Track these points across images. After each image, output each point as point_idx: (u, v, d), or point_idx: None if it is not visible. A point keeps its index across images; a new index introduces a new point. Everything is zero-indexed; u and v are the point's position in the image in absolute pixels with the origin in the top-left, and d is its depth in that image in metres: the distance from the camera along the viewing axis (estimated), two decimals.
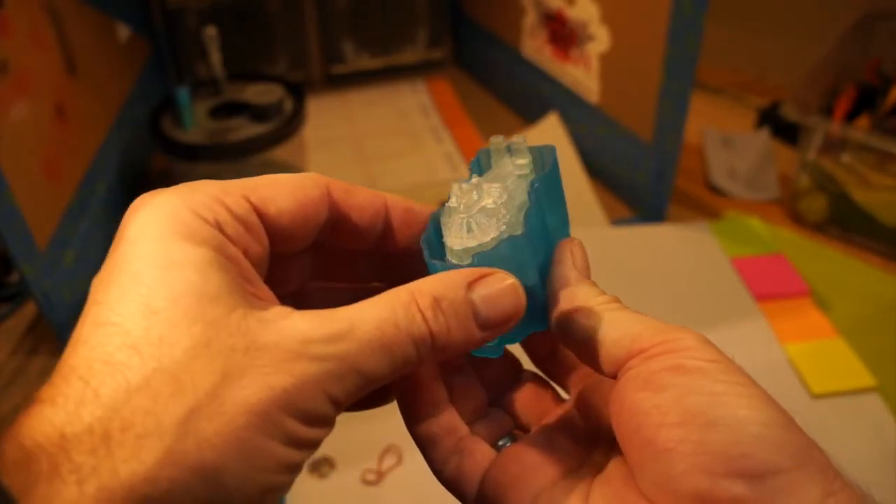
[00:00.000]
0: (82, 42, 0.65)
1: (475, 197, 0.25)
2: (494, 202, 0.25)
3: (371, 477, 0.48)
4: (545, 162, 0.26)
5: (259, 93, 0.68)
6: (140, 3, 0.81)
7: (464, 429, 0.26)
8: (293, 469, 0.19)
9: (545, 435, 0.26)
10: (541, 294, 0.25)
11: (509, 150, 0.27)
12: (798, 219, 0.70)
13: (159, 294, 0.18)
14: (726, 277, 0.63)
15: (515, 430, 0.28)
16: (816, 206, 0.69)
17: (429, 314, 0.21)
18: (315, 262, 0.26)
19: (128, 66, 0.78)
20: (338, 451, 0.49)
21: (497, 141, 0.27)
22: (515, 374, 0.29)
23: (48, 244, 0.54)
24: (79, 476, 0.16)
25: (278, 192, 0.22)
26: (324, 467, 0.48)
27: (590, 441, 0.26)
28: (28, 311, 0.62)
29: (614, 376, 0.23)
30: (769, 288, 0.62)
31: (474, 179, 0.26)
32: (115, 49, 0.74)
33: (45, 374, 0.58)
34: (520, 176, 0.26)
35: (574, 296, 0.25)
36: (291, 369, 0.18)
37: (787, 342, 0.57)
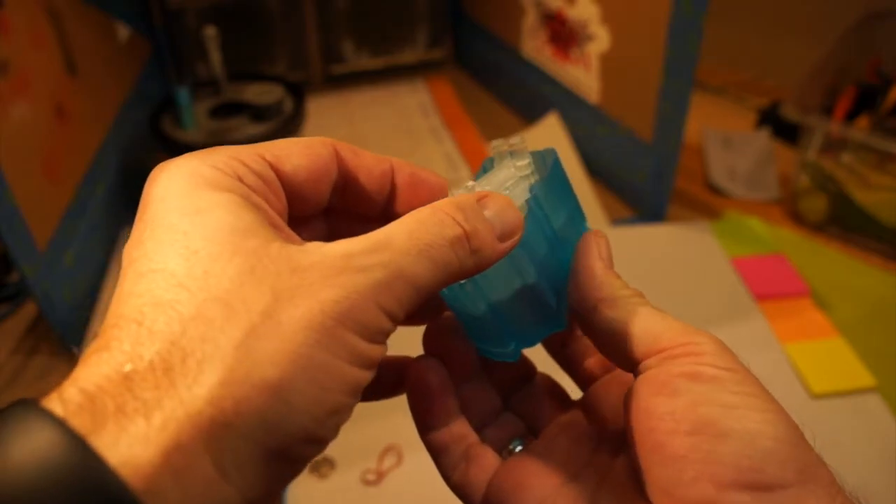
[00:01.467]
0: (82, 42, 0.65)
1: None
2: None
3: (371, 477, 0.48)
4: (546, 165, 0.27)
5: (259, 93, 0.68)
6: (140, 3, 0.81)
7: (472, 436, 0.26)
8: (356, 390, 0.19)
9: (551, 439, 0.27)
10: (552, 296, 0.26)
11: (510, 153, 0.27)
12: (798, 219, 0.70)
13: (196, 236, 0.18)
14: (726, 277, 0.63)
15: (527, 433, 0.28)
16: (816, 206, 0.69)
17: (458, 216, 0.21)
18: (328, 230, 0.26)
19: (128, 66, 0.78)
20: (338, 451, 0.49)
21: (497, 144, 0.27)
22: (528, 376, 0.29)
23: (48, 244, 0.54)
24: (145, 410, 0.16)
25: (291, 150, 0.22)
26: (324, 467, 0.48)
27: (595, 442, 0.26)
28: (28, 311, 0.62)
29: (631, 371, 0.24)
30: (769, 288, 0.62)
31: (469, 184, 0.26)
32: (115, 49, 0.74)
33: (46, 374, 0.58)
34: (521, 177, 0.26)
35: (600, 286, 0.25)
36: (340, 282, 0.18)
37: (787, 342, 0.57)
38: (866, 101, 0.70)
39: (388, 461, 0.49)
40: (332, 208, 0.25)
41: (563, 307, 0.26)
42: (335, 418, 0.18)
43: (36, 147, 0.55)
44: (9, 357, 0.58)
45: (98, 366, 0.17)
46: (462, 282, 0.24)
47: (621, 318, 0.24)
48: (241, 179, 0.20)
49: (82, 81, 0.64)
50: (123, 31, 0.76)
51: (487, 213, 0.22)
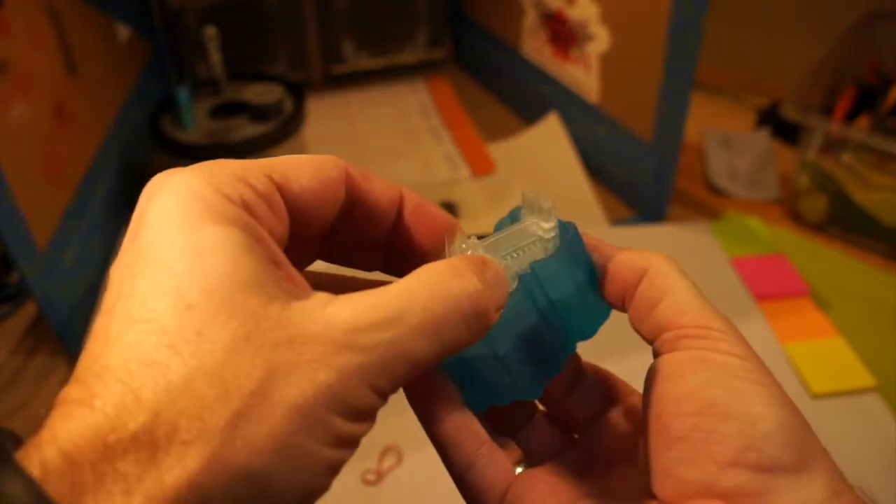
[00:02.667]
0: (82, 42, 0.65)
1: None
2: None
3: (371, 477, 0.48)
4: (563, 237, 0.26)
5: (259, 93, 0.68)
6: (140, 3, 0.81)
7: (485, 434, 0.25)
8: (336, 470, 0.18)
9: (561, 465, 0.26)
10: (524, 366, 0.25)
11: (539, 209, 0.26)
12: (798, 219, 0.70)
13: (192, 286, 0.17)
14: (726, 277, 0.63)
15: (527, 460, 0.28)
16: (816, 206, 0.69)
17: (478, 286, 0.20)
18: (325, 249, 0.26)
19: (128, 66, 0.78)
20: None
21: (530, 197, 0.26)
22: (530, 415, 0.29)
23: (48, 244, 0.54)
24: (125, 487, 0.15)
25: (300, 170, 0.21)
26: None
27: (603, 476, 0.26)
28: (28, 311, 0.62)
29: (651, 339, 0.24)
30: (769, 288, 0.62)
31: (472, 240, 0.25)
32: (115, 49, 0.74)
33: (46, 374, 0.58)
34: (542, 239, 0.26)
35: (640, 258, 0.25)
36: (338, 363, 0.17)
37: (787, 342, 0.57)
38: (866, 101, 0.70)
39: (388, 461, 0.49)
40: (334, 229, 0.24)
41: (541, 380, 0.26)
42: (311, 500, 0.18)
43: (36, 147, 0.55)
44: (9, 357, 0.58)
45: (80, 425, 0.16)
46: None
47: (664, 285, 0.24)
48: (246, 206, 0.19)
49: (82, 81, 0.64)
50: (123, 31, 0.76)
51: (488, 276, 0.21)
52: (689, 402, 0.21)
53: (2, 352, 0.58)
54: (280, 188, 0.21)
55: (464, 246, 0.24)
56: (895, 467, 0.48)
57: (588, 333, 0.26)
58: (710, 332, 0.23)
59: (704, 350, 0.22)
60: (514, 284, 0.25)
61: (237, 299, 0.17)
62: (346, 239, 0.25)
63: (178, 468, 0.16)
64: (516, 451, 0.27)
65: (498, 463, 0.25)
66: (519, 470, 0.26)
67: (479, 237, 0.25)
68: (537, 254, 0.25)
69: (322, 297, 0.18)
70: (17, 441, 0.17)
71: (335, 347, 0.17)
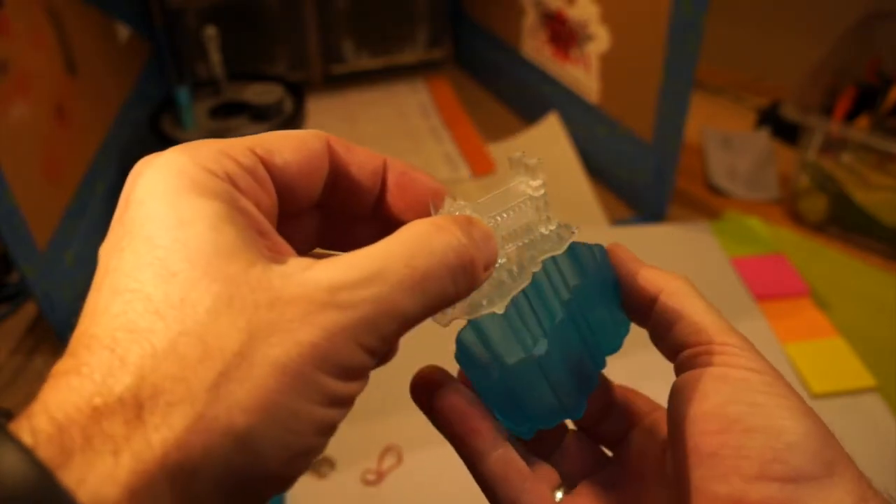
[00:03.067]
0: (82, 42, 0.65)
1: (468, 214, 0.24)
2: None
3: (371, 477, 0.48)
4: (589, 263, 0.26)
5: (259, 93, 0.68)
6: (140, 3, 0.81)
7: (523, 465, 0.25)
8: (330, 430, 0.18)
9: (597, 485, 0.27)
10: (587, 359, 0.26)
11: (525, 168, 0.26)
12: (798, 219, 0.70)
13: (175, 255, 0.17)
14: (726, 277, 0.63)
15: (563, 484, 0.27)
16: (816, 206, 0.69)
17: (463, 240, 0.20)
18: (318, 227, 0.26)
19: (128, 66, 0.77)
20: (338, 451, 0.49)
21: (516, 157, 0.26)
22: (561, 436, 0.29)
23: (48, 244, 0.54)
24: (113, 447, 0.15)
25: (282, 144, 0.21)
26: (324, 467, 0.48)
27: (636, 493, 0.26)
28: (28, 311, 0.62)
29: (672, 359, 0.25)
30: (769, 288, 0.62)
31: (460, 203, 0.24)
32: (115, 49, 0.74)
33: (46, 374, 0.58)
34: (532, 197, 0.26)
35: (657, 278, 0.26)
36: (320, 321, 0.17)
37: (787, 342, 0.57)
38: (866, 101, 0.70)
39: (388, 461, 0.49)
40: (323, 204, 0.24)
41: (583, 398, 0.26)
42: (304, 459, 0.18)
43: (36, 147, 0.55)
44: (9, 357, 0.58)
45: (68, 392, 0.16)
46: (485, 364, 0.24)
47: (678, 306, 0.25)
48: (230, 179, 0.19)
49: (82, 81, 0.64)
50: (123, 31, 0.76)
51: (474, 234, 0.21)
52: (714, 420, 0.22)
53: (2, 352, 0.58)
54: (264, 162, 0.21)
55: (451, 209, 0.24)
56: (895, 467, 0.48)
57: (615, 347, 0.27)
58: (727, 349, 0.23)
59: (724, 367, 0.23)
60: (508, 247, 0.25)
61: (219, 265, 0.17)
62: (336, 214, 0.25)
63: (164, 428, 0.16)
64: (554, 475, 0.27)
65: (542, 495, 0.25)
66: (559, 495, 0.26)
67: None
68: (528, 213, 0.25)
69: (304, 261, 0.19)
70: (10, 416, 0.17)
71: (317, 306, 0.17)
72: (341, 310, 0.18)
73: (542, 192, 0.25)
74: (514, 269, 0.25)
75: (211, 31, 0.67)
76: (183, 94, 0.65)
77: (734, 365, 0.23)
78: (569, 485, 0.27)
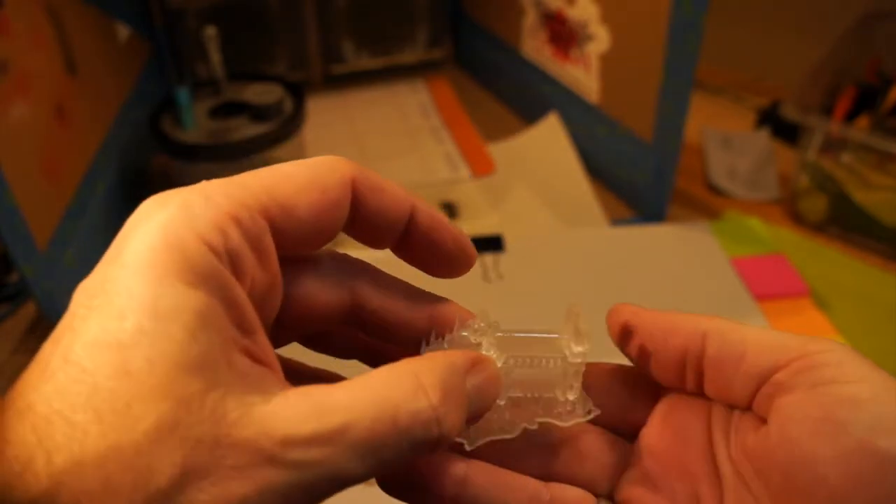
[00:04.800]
0: (82, 42, 0.65)
1: (481, 345, 0.23)
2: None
3: None
4: None
5: (259, 93, 0.68)
6: (140, 3, 0.81)
7: (534, 480, 0.23)
8: None
9: (642, 493, 0.23)
10: None
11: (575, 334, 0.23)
12: (798, 219, 0.70)
13: (138, 350, 0.16)
14: (726, 277, 0.63)
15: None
16: (816, 206, 0.69)
17: (441, 411, 0.18)
18: (345, 273, 0.24)
19: (128, 66, 0.77)
20: None
21: (573, 312, 0.23)
22: (575, 437, 0.25)
23: (48, 244, 0.54)
24: None
25: (299, 197, 0.19)
26: None
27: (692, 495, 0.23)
28: (28, 311, 0.62)
29: (748, 400, 0.21)
30: (769, 288, 0.62)
31: (481, 325, 0.22)
32: (115, 49, 0.74)
33: None
34: (567, 362, 0.23)
35: (686, 322, 0.22)
36: (260, 477, 0.16)
37: None
38: (866, 101, 0.70)
39: None
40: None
41: None
42: None
43: (36, 147, 0.55)
44: (9, 357, 0.58)
45: None
46: None
47: (732, 341, 0.21)
48: (231, 258, 0.18)
49: (82, 81, 0.64)
50: (123, 31, 0.76)
51: (469, 384, 0.19)
52: (867, 467, 0.18)
53: (2, 352, 0.58)
54: (275, 223, 0.19)
55: (470, 335, 0.22)
56: None
57: None
58: (826, 357, 0.20)
59: (838, 383, 0.19)
60: (514, 391, 0.23)
61: (176, 380, 0.16)
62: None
63: None
64: (575, 496, 0.24)
65: (574, 493, 0.23)
66: None
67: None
68: (554, 373, 0.23)
69: (271, 385, 0.17)
70: None
71: (261, 458, 0.16)
72: (286, 469, 0.16)
73: (579, 360, 0.23)
74: (507, 416, 0.23)
75: (211, 31, 0.67)
76: (183, 94, 0.65)
77: (852, 379, 0.19)
78: (605, 495, 0.24)
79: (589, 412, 0.24)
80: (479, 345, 0.22)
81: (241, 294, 0.18)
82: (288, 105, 0.69)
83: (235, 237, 0.18)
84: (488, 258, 0.64)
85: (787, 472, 0.19)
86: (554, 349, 0.23)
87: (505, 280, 0.62)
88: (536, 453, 0.24)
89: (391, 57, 0.94)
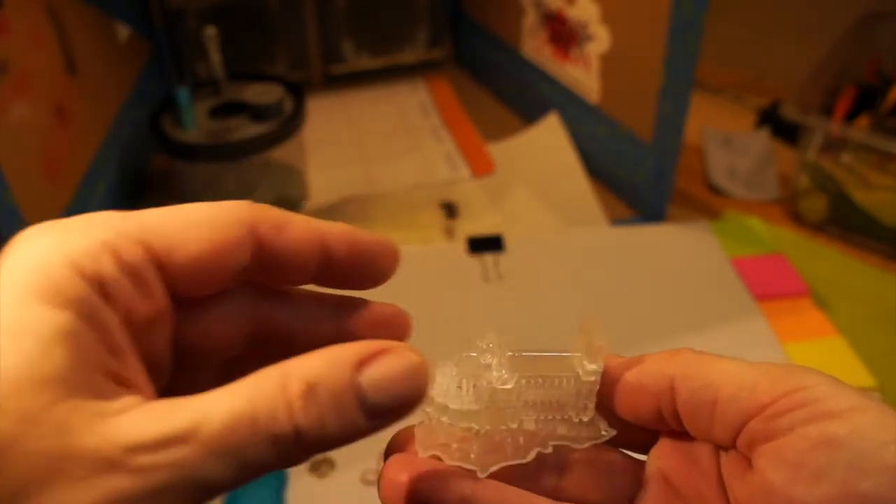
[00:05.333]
0: (82, 42, 0.65)
1: (491, 365, 0.22)
2: (504, 384, 0.22)
3: (371, 477, 0.48)
4: None
5: (259, 93, 0.68)
6: (140, 3, 0.81)
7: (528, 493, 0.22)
8: None
9: None
10: None
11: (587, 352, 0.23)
12: (798, 219, 0.70)
13: None
14: (726, 277, 0.63)
15: None
16: (816, 206, 0.69)
17: (298, 405, 0.17)
18: (251, 297, 0.22)
19: (128, 66, 0.77)
20: (338, 450, 0.49)
21: (588, 327, 0.23)
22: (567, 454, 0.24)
23: None
24: None
25: (188, 233, 0.19)
26: (324, 467, 0.48)
27: None
28: None
29: (731, 444, 0.20)
30: (769, 288, 0.62)
31: (509, 353, 0.22)
32: (115, 49, 0.74)
33: None
34: (580, 381, 0.22)
35: (662, 366, 0.21)
36: (104, 485, 0.15)
37: (787, 342, 0.57)
38: (866, 101, 0.70)
39: None
40: (249, 279, 0.21)
41: None
42: None
43: (36, 147, 0.55)
44: None
45: None
46: None
47: (700, 388, 0.20)
48: (100, 284, 0.17)
49: (82, 81, 0.64)
50: (123, 31, 0.76)
51: (364, 378, 0.18)
52: (841, 502, 0.17)
53: None
54: (159, 258, 0.18)
55: (485, 346, 0.22)
56: None
57: None
58: (806, 395, 0.18)
59: (822, 424, 0.18)
60: (523, 416, 0.22)
61: (24, 394, 0.16)
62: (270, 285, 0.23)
63: None
64: None
65: None
66: None
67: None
68: (567, 392, 0.22)
69: (128, 399, 0.17)
70: None
71: (106, 466, 0.15)
72: (133, 475, 0.15)
73: (593, 378, 0.22)
74: (521, 441, 0.22)
75: (211, 31, 0.67)
76: (183, 94, 0.65)
77: (835, 418, 0.18)
78: None
79: (604, 433, 0.23)
80: (488, 366, 0.22)
81: (109, 318, 0.17)
82: (288, 105, 0.69)
83: (109, 265, 0.18)
84: (488, 258, 0.64)
85: None
86: (566, 367, 0.22)
87: (505, 280, 0.62)
88: (548, 473, 0.24)
89: (391, 57, 0.94)
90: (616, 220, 0.70)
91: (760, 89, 0.89)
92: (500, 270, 0.63)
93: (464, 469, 0.22)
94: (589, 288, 0.62)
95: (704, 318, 0.58)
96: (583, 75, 0.73)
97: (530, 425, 0.23)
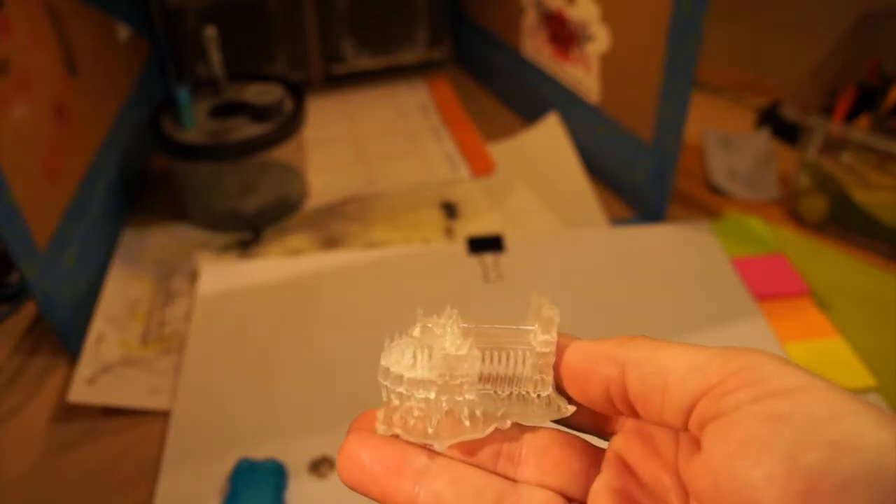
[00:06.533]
0: (82, 42, 0.65)
1: (445, 335, 0.22)
2: (458, 350, 0.22)
3: None
4: None
5: (259, 93, 0.68)
6: (140, 3, 0.81)
7: (512, 494, 0.22)
8: None
9: None
10: None
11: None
12: (798, 219, 0.70)
13: None
14: (726, 277, 0.63)
15: None
16: (816, 206, 0.69)
17: None
18: None
19: (128, 66, 0.77)
20: (338, 450, 0.49)
21: (537, 302, 0.23)
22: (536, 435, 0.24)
23: (48, 244, 0.54)
24: None
25: None
26: (323, 467, 0.48)
27: None
28: (28, 311, 0.62)
29: (683, 426, 0.20)
30: (769, 288, 0.62)
31: (464, 325, 0.22)
32: (115, 49, 0.74)
33: (46, 374, 0.58)
34: (535, 353, 0.22)
35: (615, 352, 0.21)
36: None
37: (787, 342, 0.57)
38: (866, 101, 0.70)
39: None
40: None
41: None
42: None
43: (36, 147, 0.55)
44: (9, 357, 0.58)
45: None
46: None
47: (651, 372, 0.20)
48: None
49: (82, 81, 0.64)
50: (123, 31, 0.76)
51: None
52: (792, 483, 0.16)
53: (2, 352, 0.58)
54: None
55: (441, 321, 0.22)
56: None
57: None
58: (753, 373, 0.18)
59: (767, 401, 0.18)
60: (479, 389, 0.22)
61: None
62: None
63: None
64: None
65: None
66: None
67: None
68: (523, 366, 0.22)
69: None
70: None
71: None
72: None
73: (548, 349, 0.22)
74: (479, 415, 0.23)
75: (211, 31, 0.67)
76: (183, 94, 0.65)
77: (780, 394, 0.18)
78: (577, 502, 0.23)
79: (561, 410, 0.23)
80: (442, 335, 0.22)
81: None
82: (288, 105, 0.69)
83: None
84: (488, 258, 0.64)
85: (719, 500, 0.18)
86: (522, 341, 0.22)
87: (505, 280, 0.62)
88: (506, 454, 0.24)
89: (391, 57, 0.94)
90: (616, 220, 0.70)
91: (760, 89, 0.89)
92: (500, 270, 0.63)
93: (422, 446, 0.22)
94: (589, 288, 0.62)
95: (704, 318, 0.58)
96: (583, 75, 0.73)
97: (487, 399, 0.23)
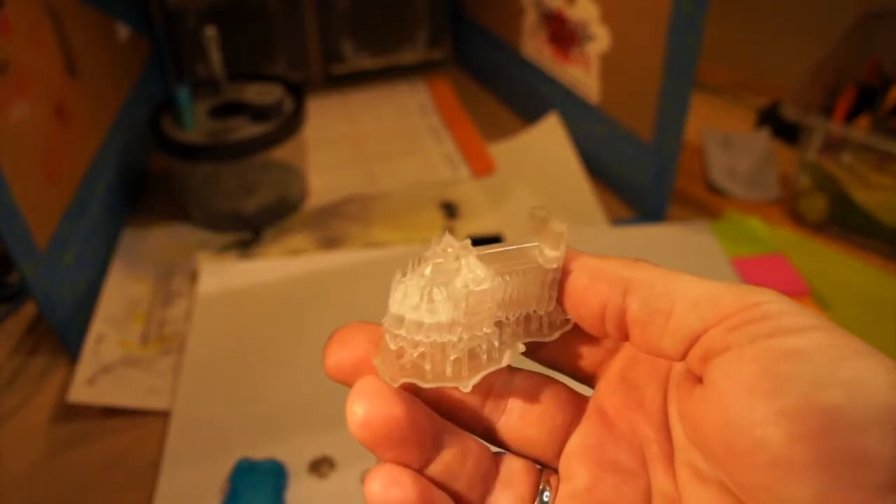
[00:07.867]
0: (82, 42, 0.65)
1: (455, 265, 0.21)
2: (480, 284, 0.20)
3: None
4: None
5: (259, 93, 0.68)
6: (140, 3, 0.81)
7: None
8: None
9: (588, 476, 0.21)
10: None
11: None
12: (798, 219, 0.70)
13: None
14: (726, 277, 0.63)
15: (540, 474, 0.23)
16: (816, 206, 0.69)
17: None
18: None
19: (128, 66, 0.77)
20: (338, 451, 0.49)
21: (539, 215, 0.21)
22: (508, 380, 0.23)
23: (48, 244, 0.54)
24: None
25: None
26: (324, 467, 0.48)
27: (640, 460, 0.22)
28: (28, 311, 0.62)
29: (679, 356, 0.19)
30: (769, 288, 0.62)
31: (461, 243, 0.21)
32: (115, 49, 0.74)
33: (46, 374, 0.58)
34: (543, 270, 0.21)
35: (621, 272, 0.20)
36: None
37: None
38: (866, 101, 0.69)
39: None
40: None
41: None
42: None
43: (36, 147, 0.55)
44: (9, 357, 0.58)
45: None
46: None
47: (658, 294, 0.19)
48: None
49: (82, 81, 0.64)
50: (123, 31, 0.76)
51: None
52: (806, 421, 0.16)
53: (2, 352, 0.58)
54: None
55: (450, 250, 0.21)
56: None
57: None
58: (764, 309, 0.18)
59: (778, 336, 0.17)
60: (499, 314, 0.21)
61: None
62: None
63: None
64: (526, 472, 0.23)
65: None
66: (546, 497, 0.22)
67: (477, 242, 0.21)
68: (532, 284, 0.21)
69: None
70: None
71: None
72: None
73: (555, 266, 0.21)
74: (497, 344, 0.21)
75: (211, 31, 0.67)
76: (183, 94, 0.65)
77: (792, 329, 0.17)
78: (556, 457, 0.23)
79: (567, 322, 0.22)
80: (458, 269, 0.20)
81: None
82: (288, 105, 0.69)
83: None
84: None
85: (724, 436, 0.17)
86: (528, 259, 0.21)
87: None
88: (493, 400, 0.23)
89: (391, 57, 0.94)
90: (616, 220, 0.70)
91: (760, 89, 0.89)
92: None
93: (441, 388, 0.21)
94: None
95: None
96: (583, 75, 0.73)
97: (504, 326, 0.22)
